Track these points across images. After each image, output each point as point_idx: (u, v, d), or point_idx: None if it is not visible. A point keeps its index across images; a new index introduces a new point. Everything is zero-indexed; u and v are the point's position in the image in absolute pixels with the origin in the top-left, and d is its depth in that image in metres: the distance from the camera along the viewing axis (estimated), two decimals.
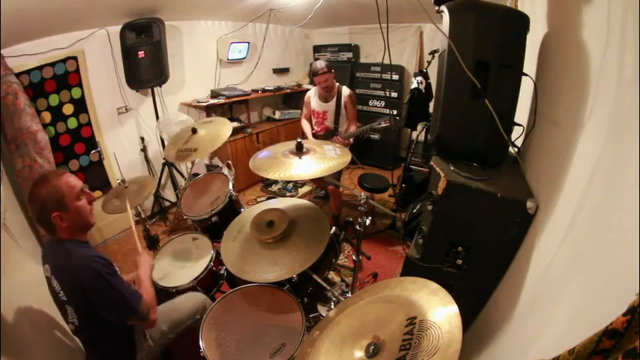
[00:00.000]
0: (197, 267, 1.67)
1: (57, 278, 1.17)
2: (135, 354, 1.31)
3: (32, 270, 1.66)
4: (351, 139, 2.77)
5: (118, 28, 2.67)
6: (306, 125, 2.95)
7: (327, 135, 2.83)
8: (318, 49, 4.70)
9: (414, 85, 2.55)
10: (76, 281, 1.12)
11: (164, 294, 1.58)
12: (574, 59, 1.06)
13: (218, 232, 1.67)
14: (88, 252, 1.19)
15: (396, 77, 4.11)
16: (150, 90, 3.04)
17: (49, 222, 1.14)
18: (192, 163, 3.25)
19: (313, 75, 2.67)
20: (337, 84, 2.76)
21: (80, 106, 2.73)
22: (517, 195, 1.17)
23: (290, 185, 3.91)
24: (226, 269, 1.66)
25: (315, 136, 2.89)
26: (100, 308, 1.16)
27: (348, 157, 1.51)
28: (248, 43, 3.88)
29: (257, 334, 1.30)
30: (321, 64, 2.62)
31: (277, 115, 4.28)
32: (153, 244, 1.99)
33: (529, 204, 1.13)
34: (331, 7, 3.44)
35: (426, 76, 2.64)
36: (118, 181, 1.97)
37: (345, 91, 2.73)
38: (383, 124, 2.56)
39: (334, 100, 2.73)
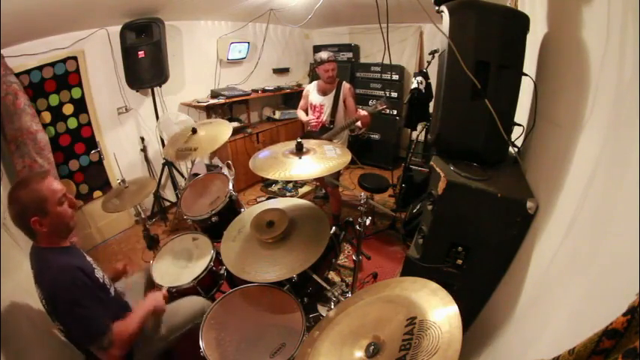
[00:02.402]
0: (197, 267, 1.67)
1: (38, 287, 1.15)
2: (132, 356, 1.30)
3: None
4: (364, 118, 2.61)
5: (118, 28, 2.67)
6: (301, 113, 2.92)
7: (321, 131, 2.78)
8: (318, 49, 4.70)
9: (414, 85, 2.55)
10: (49, 292, 1.10)
11: None
12: (574, 59, 1.06)
13: (218, 232, 1.67)
14: (66, 261, 1.15)
15: (396, 77, 4.11)
16: (150, 90, 3.04)
17: (28, 227, 1.11)
18: (192, 163, 3.25)
19: (319, 63, 2.62)
20: (337, 78, 2.74)
21: (80, 106, 2.73)
22: (517, 195, 1.17)
23: (290, 185, 3.91)
24: (226, 269, 1.66)
25: (309, 133, 2.83)
26: (63, 323, 1.12)
27: (348, 157, 1.51)
28: (248, 43, 3.88)
29: (257, 334, 1.30)
30: (328, 52, 2.62)
31: (277, 115, 4.28)
32: (153, 244, 1.99)
33: (529, 204, 1.13)
34: (331, 7, 3.44)
35: (426, 76, 2.64)
36: (118, 181, 1.98)
37: (345, 84, 2.71)
38: (379, 107, 2.53)
39: (333, 93, 2.70)
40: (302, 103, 2.95)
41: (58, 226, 1.16)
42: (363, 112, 2.51)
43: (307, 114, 2.91)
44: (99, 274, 1.28)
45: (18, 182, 1.15)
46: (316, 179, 3.29)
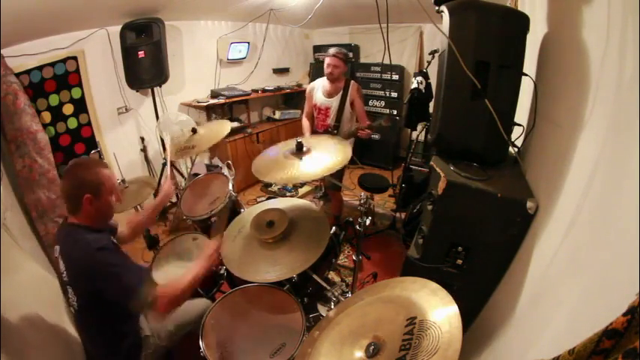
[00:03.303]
0: None
1: (63, 259, 1.20)
2: (139, 352, 1.31)
3: (32, 270, 1.66)
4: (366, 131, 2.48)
5: (118, 28, 2.67)
6: (305, 124, 2.75)
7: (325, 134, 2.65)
8: (318, 49, 4.70)
9: (414, 85, 2.55)
10: (79, 265, 1.14)
11: None
12: (574, 59, 1.06)
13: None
14: (97, 237, 1.19)
15: (396, 77, 4.11)
16: (150, 90, 3.04)
17: (79, 201, 1.17)
18: (193, 162, 3.25)
19: (327, 55, 2.52)
20: (345, 78, 2.59)
21: (80, 106, 2.72)
22: (517, 195, 1.17)
23: (290, 185, 3.91)
24: (226, 269, 1.66)
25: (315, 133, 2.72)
26: (99, 288, 1.13)
27: (348, 151, 1.49)
28: (248, 43, 3.88)
29: (257, 334, 1.30)
30: (340, 49, 2.54)
31: (277, 115, 4.28)
32: (153, 244, 1.99)
33: (529, 204, 1.13)
34: (331, 7, 3.44)
35: (426, 76, 2.64)
36: (118, 181, 1.98)
37: (354, 84, 2.55)
38: (383, 124, 2.52)
39: (339, 95, 2.55)
40: (306, 108, 2.76)
41: (103, 212, 1.24)
42: (366, 131, 2.43)
43: (312, 119, 2.75)
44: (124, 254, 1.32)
45: (80, 161, 1.25)
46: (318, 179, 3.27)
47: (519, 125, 1.38)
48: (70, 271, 1.19)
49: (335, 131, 2.62)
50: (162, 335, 1.39)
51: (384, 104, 4.27)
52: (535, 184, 1.24)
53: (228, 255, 1.45)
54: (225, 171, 2.10)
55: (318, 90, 2.66)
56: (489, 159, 1.38)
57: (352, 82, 2.57)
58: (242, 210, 1.91)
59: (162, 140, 3.16)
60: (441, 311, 0.76)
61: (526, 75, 1.30)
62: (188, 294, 1.21)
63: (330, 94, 2.59)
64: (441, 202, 1.28)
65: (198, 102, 3.41)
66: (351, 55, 4.42)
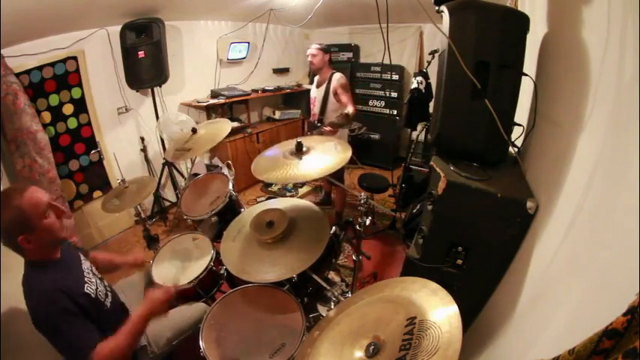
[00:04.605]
0: (197, 267, 1.67)
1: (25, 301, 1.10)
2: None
3: None
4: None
5: (118, 28, 2.67)
6: None
7: (311, 127, 2.73)
8: None
9: (414, 85, 2.55)
10: (31, 315, 1.06)
11: None
12: (574, 59, 1.06)
13: (218, 232, 1.67)
14: (49, 284, 1.08)
15: (396, 77, 4.11)
16: (150, 90, 3.04)
17: (17, 246, 1.05)
18: (193, 162, 3.25)
19: None
20: (332, 71, 2.63)
21: (80, 106, 2.73)
22: (517, 195, 1.17)
23: (290, 185, 3.91)
24: (226, 269, 1.66)
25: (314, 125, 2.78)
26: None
27: (348, 153, 1.49)
28: (248, 43, 3.88)
29: (257, 334, 1.30)
30: (320, 43, 2.64)
31: (277, 115, 4.28)
32: (153, 244, 1.99)
33: (529, 204, 1.13)
34: (331, 7, 3.44)
35: (426, 76, 2.64)
36: (118, 181, 1.98)
37: (336, 75, 2.57)
38: (346, 125, 2.49)
39: (324, 86, 2.61)
40: None
41: (47, 240, 1.11)
42: (327, 128, 2.45)
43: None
44: (91, 288, 1.20)
45: None
46: (319, 179, 3.27)
47: (519, 125, 1.38)
48: (31, 318, 1.08)
49: (319, 124, 2.66)
50: (160, 343, 1.37)
51: (384, 104, 4.27)
52: (535, 184, 1.24)
53: (229, 255, 1.46)
54: (225, 171, 2.10)
55: (314, 81, 2.80)
56: (489, 159, 1.38)
57: (336, 73, 2.60)
58: (242, 210, 1.91)
59: (162, 140, 3.17)
60: (441, 311, 0.76)
61: (526, 75, 1.30)
62: (130, 347, 1.13)
63: (318, 85, 2.70)
64: (441, 202, 1.28)
65: (198, 102, 3.41)
66: (351, 55, 4.43)
